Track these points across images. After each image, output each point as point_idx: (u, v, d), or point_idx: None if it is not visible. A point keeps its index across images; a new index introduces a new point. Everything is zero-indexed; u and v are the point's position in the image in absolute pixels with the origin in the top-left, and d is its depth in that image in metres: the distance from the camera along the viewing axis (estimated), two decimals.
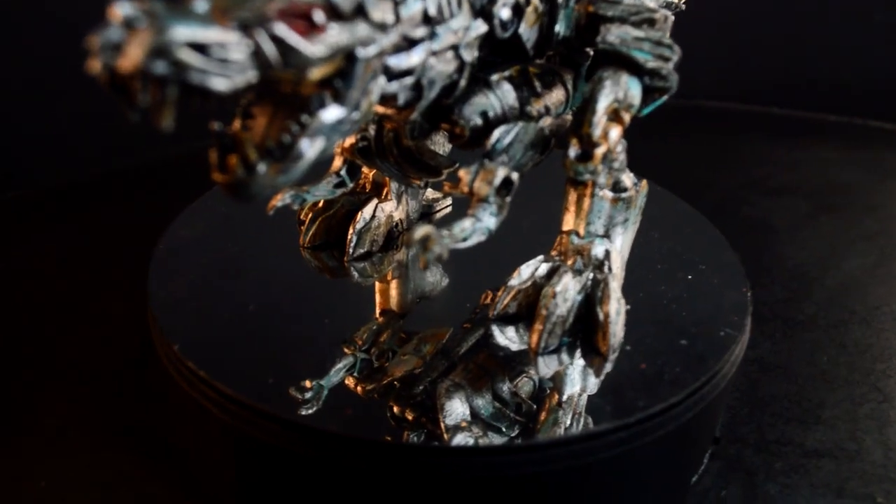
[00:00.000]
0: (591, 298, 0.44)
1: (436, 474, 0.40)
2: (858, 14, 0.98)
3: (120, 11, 0.27)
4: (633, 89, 0.40)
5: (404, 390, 0.42)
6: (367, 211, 0.51)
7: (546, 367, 0.43)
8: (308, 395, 0.42)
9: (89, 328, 0.59)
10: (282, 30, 0.29)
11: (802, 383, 0.58)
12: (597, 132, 0.39)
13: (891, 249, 0.74)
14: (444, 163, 0.47)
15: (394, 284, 0.52)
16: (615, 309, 0.43)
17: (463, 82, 0.39)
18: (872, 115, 0.98)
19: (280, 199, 0.48)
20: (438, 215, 0.57)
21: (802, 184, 0.84)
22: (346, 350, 0.45)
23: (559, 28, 0.42)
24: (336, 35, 0.30)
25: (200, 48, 0.27)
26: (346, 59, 0.32)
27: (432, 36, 0.36)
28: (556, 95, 0.43)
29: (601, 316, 0.43)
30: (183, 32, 0.27)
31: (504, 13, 0.40)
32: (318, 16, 0.30)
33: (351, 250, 0.51)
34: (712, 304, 0.48)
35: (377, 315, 0.50)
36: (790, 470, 0.50)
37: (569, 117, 0.44)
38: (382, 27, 0.33)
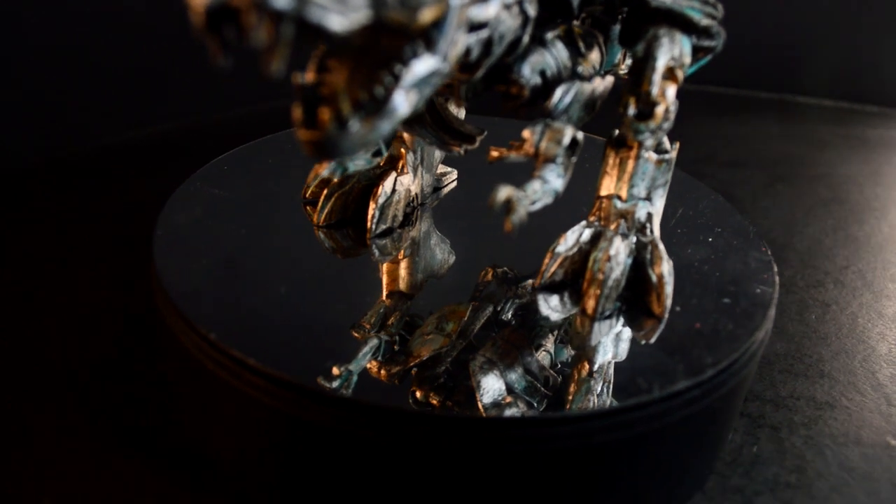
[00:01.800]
0: (640, 261, 0.43)
1: (492, 448, 0.38)
2: None
3: None
4: (686, 47, 0.40)
5: (432, 369, 0.40)
6: (387, 184, 0.49)
7: (600, 332, 0.42)
8: (337, 382, 0.40)
9: (81, 323, 0.54)
10: None
11: (799, 341, 0.60)
12: (655, 90, 0.39)
13: (844, 214, 0.78)
14: (475, 130, 0.45)
15: (404, 264, 0.50)
16: (667, 269, 0.43)
17: (526, 38, 0.37)
18: (801, 91, 1.04)
19: (325, 170, 0.45)
20: (446, 189, 0.56)
21: (752, 156, 0.88)
22: (355, 334, 0.43)
23: None
24: None
25: None
26: (446, 5, 0.30)
27: None
28: (596, 56, 0.43)
29: (654, 278, 0.42)
30: None
31: None
32: None
33: (373, 226, 0.49)
34: (740, 264, 0.49)
35: (384, 297, 0.48)
36: (809, 422, 0.51)
37: (612, 79, 0.43)
38: None
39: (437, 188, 0.55)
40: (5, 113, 0.75)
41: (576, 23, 0.43)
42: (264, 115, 0.83)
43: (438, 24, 0.30)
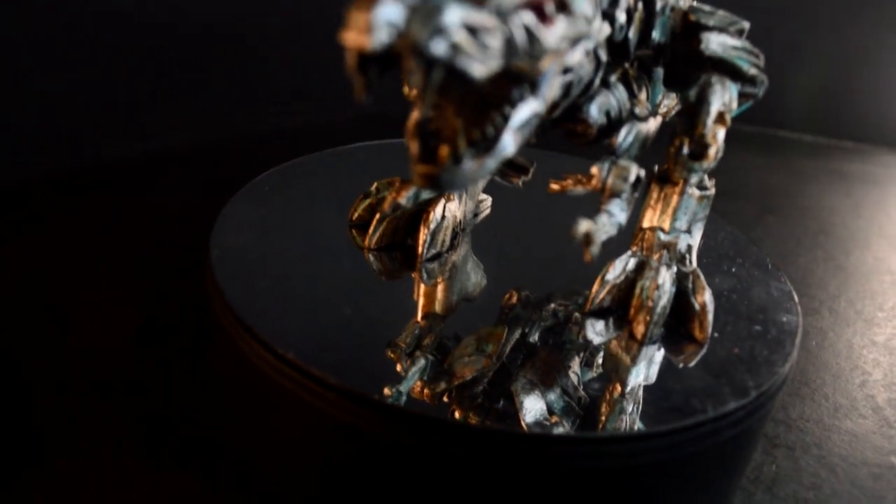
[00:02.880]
0: (682, 290, 0.46)
1: (542, 464, 0.40)
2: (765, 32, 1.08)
3: None
4: (734, 94, 0.44)
5: (470, 389, 0.43)
6: (437, 211, 0.51)
7: (646, 357, 0.45)
8: (389, 402, 0.42)
9: (131, 335, 0.54)
10: (531, 20, 0.29)
11: (803, 366, 0.63)
12: (708, 133, 0.42)
13: (832, 245, 0.82)
14: (528, 163, 0.48)
15: (440, 286, 0.53)
16: (709, 298, 0.46)
17: (597, 81, 0.40)
18: (781, 125, 1.09)
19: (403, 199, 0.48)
20: (482, 215, 0.58)
21: (741, 188, 0.92)
22: (390, 354, 0.45)
23: (656, 34, 0.45)
24: (564, 29, 0.31)
25: (472, 31, 0.27)
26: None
27: (587, 35, 0.37)
28: (643, 97, 0.46)
29: (697, 306, 0.45)
30: (458, 13, 0.26)
31: (622, 17, 0.42)
32: (550, 7, 0.30)
33: (425, 251, 0.51)
34: (764, 293, 0.52)
35: (419, 318, 0.50)
36: (820, 443, 0.55)
37: (660, 119, 0.46)
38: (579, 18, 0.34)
39: (476, 214, 0.57)
40: (53, 119, 0.76)
41: (627, 65, 0.46)
42: (299, 131, 0.84)
43: (545, 73, 0.33)
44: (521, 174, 0.46)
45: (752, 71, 0.44)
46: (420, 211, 0.51)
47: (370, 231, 0.51)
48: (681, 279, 0.46)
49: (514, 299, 0.52)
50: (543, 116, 0.40)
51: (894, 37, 1.04)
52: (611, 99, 0.42)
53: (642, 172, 0.41)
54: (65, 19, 0.76)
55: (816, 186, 0.95)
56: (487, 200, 0.59)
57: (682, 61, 0.45)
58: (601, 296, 0.47)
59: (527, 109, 0.33)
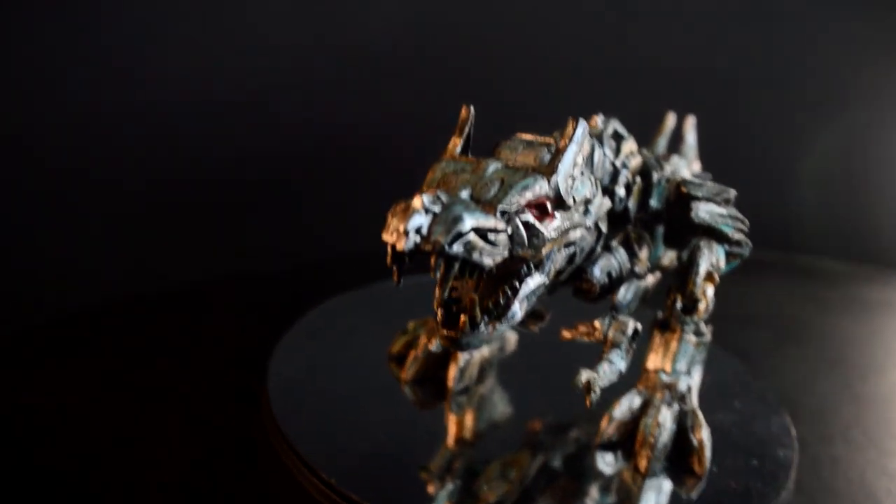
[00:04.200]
0: (682, 427, 0.52)
1: None
2: (786, 160, 1.15)
3: (423, 201, 0.34)
4: (721, 255, 0.50)
5: None
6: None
7: (653, 488, 0.50)
8: None
9: (180, 455, 0.61)
10: (531, 218, 0.37)
11: (816, 496, 0.67)
12: (698, 290, 0.49)
13: (849, 373, 0.86)
14: (544, 310, 0.54)
15: (469, 415, 0.59)
16: (707, 435, 0.51)
17: (599, 249, 0.48)
18: (801, 251, 1.15)
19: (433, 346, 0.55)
20: (507, 351, 0.65)
21: (760, 315, 0.97)
22: (423, 477, 0.51)
23: (653, 202, 0.52)
24: (560, 222, 0.38)
25: (481, 233, 0.34)
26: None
27: (587, 213, 0.45)
28: (645, 254, 0.53)
29: (695, 442, 0.51)
30: (472, 221, 0.34)
31: (621, 192, 0.49)
32: (549, 206, 0.38)
33: (455, 385, 0.57)
34: (764, 428, 0.57)
35: (450, 444, 0.56)
36: None
37: (658, 275, 0.53)
38: (575, 209, 0.41)
39: (501, 349, 0.64)
40: (116, 245, 0.85)
41: (629, 227, 0.53)
42: (349, 259, 0.91)
43: (548, 252, 0.40)
44: (538, 321, 0.53)
45: (737, 235, 0.50)
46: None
47: (406, 365, 0.58)
48: (681, 417, 0.52)
49: (538, 427, 0.58)
50: (552, 280, 0.47)
51: None
52: (612, 261, 0.49)
53: (639, 326, 0.47)
54: (124, 147, 0.85)
55: (835, 313, 0.99)
56: (513, 338, 0.65)
57: (677, 225, 0.52)
58: (609, 430, 0.52)
59: (532, 283, 0.40)
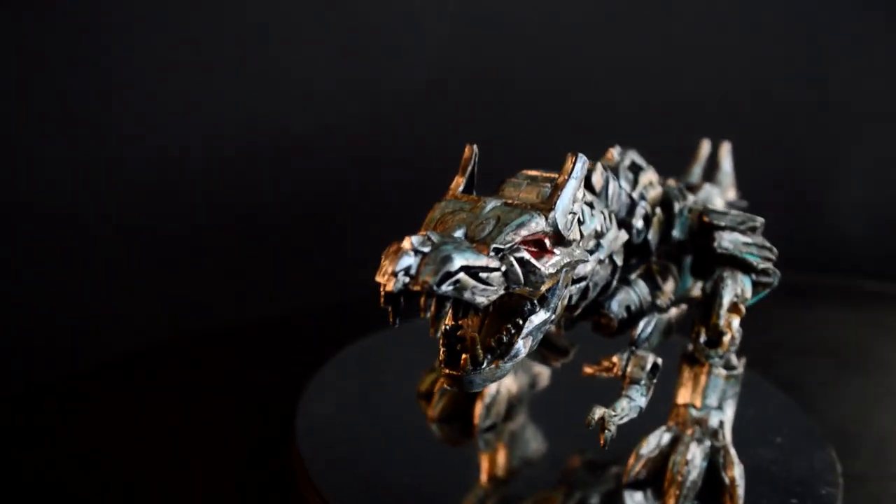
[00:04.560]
0: (714, 464, 0.50)
1: None
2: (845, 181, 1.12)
3: (412, 242, 0.34)
4: (746, 285, 0.49)
5: None
6: (492, 386, 0.57)
7: None
8: None
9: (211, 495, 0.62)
10: (526, 255, 0.36)
11: None
12: (722, 322, 0.47)
13: None
14: (569, 345, 0.54)
15: (502, 452, 0.58)
16: (739, 473, 0.49)
17: (615, 283, 0.47)
18: (864, 275, 1.10)
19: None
20: (540, 387, 0.64)
21: (819, 344, 0.93)
22: None
23: (676, 233, 0.51)
24: (560, 258, 0.38)
25: (472, 272, 0.34)
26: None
27: (598, 247, 0.44)
28: (671, 286, 0.52)
29: (727, 480, 0.49)
30: (461, 261, 0.34)
31: (639, 224, 0.48)
32: (548, 242, 0.38)
33: (481, 423, 0.57)
34: (805, 464, 0.54)
35: (484, 482, 0.55)
36: None
37: (685, 307, 0.51)
38: (575, 243, 0.41)
39: (532, 385, 0.63)
40: (140, 291, 0.88)
41: (653, 258, 0.52)
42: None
43: (551, 288, 0.40)
44: (561, 356, 0.52)
45: (763, 265, 0.49)
46: None
47: (433, 403, 0.58)
48: (713, 454, 0.50)
49: (576, 464, 0.57)
50: (566, 315, 0.46)
51: None
52: (631, 295, 0.48)
53: (659, 361, 0.46)
54: (153, 192, 0.88)
55: None
56: (545, 373, 0.64)
57: (702, 255, 0.51)
58: (637, 468, 0.51)
59: (537, 319, 0.39)
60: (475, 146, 0.42)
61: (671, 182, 0.55)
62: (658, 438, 0.51)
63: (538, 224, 0.37)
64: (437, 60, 0.97)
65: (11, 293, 0.83)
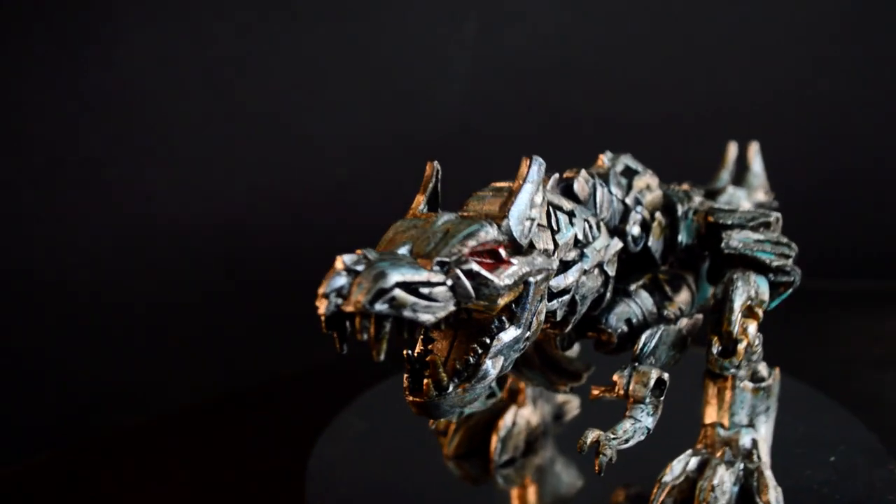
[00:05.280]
0: (748, 489, 0.45)
1: None
2: None
3: (344, 261, 0.32)
4: (762, 286, 0.44)
5: None
6: (507, 418, 0.54)
7: None
8: None
9: None
10: (475, 267, 0.34)
11: None
12: (736, 329, 0.43)
13: None
14: (582, 367, 0.50)
15: (532, 489, 0.54)
16: (774, 497, 0.44)
17: (608, 295, 0.43)
18: None
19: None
20: (568, 417, 0.60)
21: None
22: None
23: (682, 238, 0.47)
24: (518, 268, 0.35)
25: (410, 288, 0.32)
26: (522, 286, 0.36)
27: (582, 257, 0.41)
28: (684, 296, 0.47)
29: None
30: (397, 276, 0.31)
31: (635, 230, 0.45)
32: (503, 252, 0.35)
33: (497, 458, 0.53)
34: (862, 485, 0.48)
35: None
36: None
37: (700, 316, 0.47)
38: (546, 253, 0.38)
39: (559, 416, 0.59)
40: (164, 355, 0.88)
41: (664, 268, 0.48)
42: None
43: (519, 301, 0.37)
44: (572, 381, 0.49)
45: (778, 262, 0.44)
46: (495, 418, 0.54)
47: (447, 439, 0.55)
48: (746, 477, 0.45)
49: (622, 498, 0.53)
50: (553, 332, 0.43)
51: None
52: (632, 307, 0.44)
53: (665, 376, 0.42)
54: (158, 259, 0.90)
55: None
56: (573, 401, 0.60)
57: (715, 259, 0.47)
58: (661, 498, 0.46)
59: (506, 337, 0.36)
60: (436, 163, 0.40)
61: (684, 186, 0.51)
62: (684, 464, 0.46)
63: (488, 233, 0.35)
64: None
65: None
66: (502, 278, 0.34)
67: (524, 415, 0.55)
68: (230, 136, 0.92)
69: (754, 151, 0.63)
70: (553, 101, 0.98)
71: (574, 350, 0.56)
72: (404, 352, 0.37)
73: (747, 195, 0.59)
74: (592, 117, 0.97)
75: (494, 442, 0.53)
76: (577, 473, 0.56)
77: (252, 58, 0.91)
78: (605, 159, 0.47)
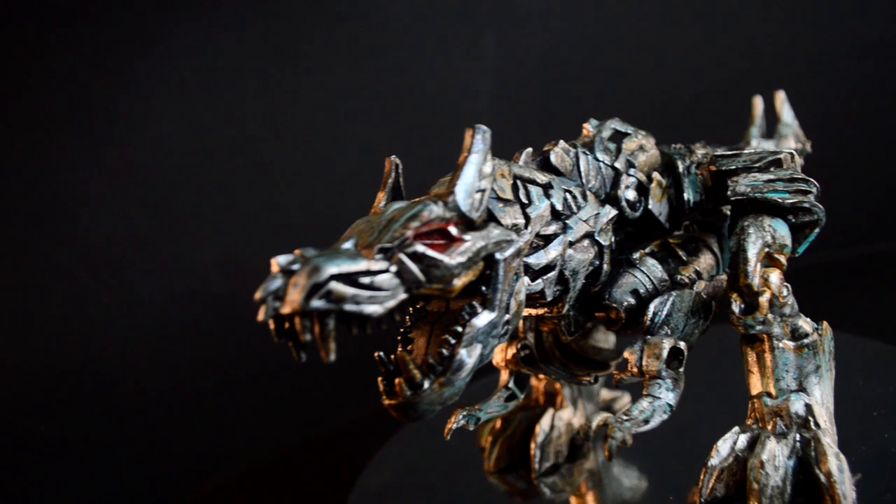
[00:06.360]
0: (806, 460, 0.39)
1: None
2: None
3: (278, 262, 0.30)
4: (780, 230, 0.39)
5: None
6: (545, 423, 0.50)
7: None
8: None
9: None
10: (420, 248, 0.31)
11: None
12: (755, 280, 0.38)
13: None
14: (610, 356, 0.46)
15: (590, 496, 0.50)
16: (836, 466, 0.38)
17: (606, 267, 0.40)
18: None
19: (454, 422, 0.47)
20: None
21: None
22: None
23: (688, 195, 0.43)
24: (471, 244, 0.32)
25: (349, 279, 0.29)
26: (487, 265, 0.33)
27: (565, 229, 0.37)
28: (705, 260, 0.43)
29: (822, 477, 0.38)
30: (332, 269, 0.29)
31: (629, 194, 0.41)
32: (454, 229, 0.32)
33: (537, 466, 0.50)
34: None
35: None
36: None
37: (723, 277, 0.43)
38: (515, 229, 0.35)
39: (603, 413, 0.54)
40: (190, 424, 0.88)
41: (677, 233, 0.44)
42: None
43: (488, 281, 0.34)
44: (596, 370, 0.45)
45: (790, 200, 0.39)
46: (533, 425, 0.51)
47: (486, 454, 0.51)
48: (804, 447, 0.40)
49: (696, 498, 0.48)
50: (551, 314, 0.39)
51: None
52: (637, 276, 0.41)
53: (681, 345, 0.38)
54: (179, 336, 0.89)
55: None
56: (623, 398, 0.56)
57: (733, 213, 0.43)
58: (709, 485, 0.41)
59: (479, 322, 0.33)
60: (394, 157, 0.38)
61: (696, 146, 0.47)
62: (731, 443, 0.41)
63: (431, 212, 0.32)
64: None
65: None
66: (454, 256, 0.32)
67: (563, 417, 0.51)
68: (272, 207, 0.93)
69: (781, 100, 0.58)
70: (577, 110, 0.96)
71: (610, 341, 0.52)
72: (375, 354, 0.34)
73: (776, 145, 0.54)
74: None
75: (533, 449, 0.50)
76: (639, 475, 0.51)
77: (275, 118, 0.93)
78: (589, 127, 0.43)
